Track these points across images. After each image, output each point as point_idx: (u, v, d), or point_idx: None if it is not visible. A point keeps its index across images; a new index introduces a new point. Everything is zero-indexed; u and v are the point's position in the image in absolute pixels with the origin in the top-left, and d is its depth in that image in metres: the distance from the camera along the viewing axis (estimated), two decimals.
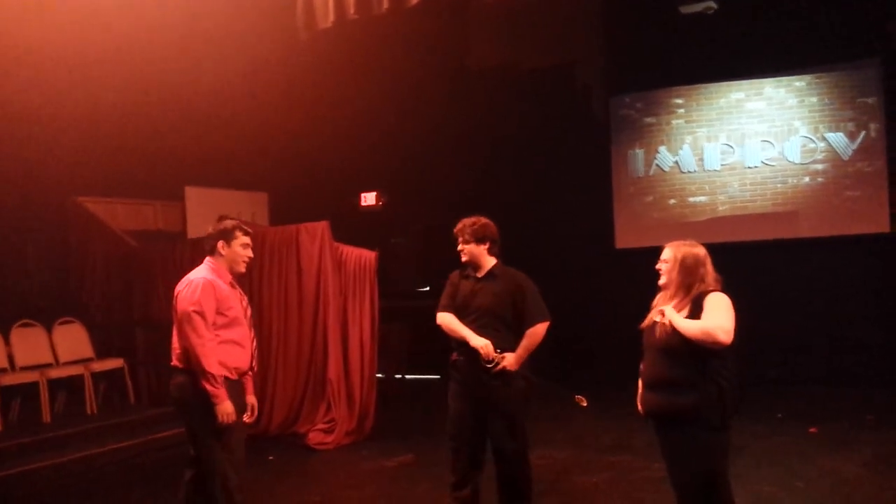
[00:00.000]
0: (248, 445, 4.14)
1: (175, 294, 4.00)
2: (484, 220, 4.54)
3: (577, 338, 9.62)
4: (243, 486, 4.06)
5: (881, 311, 8.68)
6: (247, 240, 4.13)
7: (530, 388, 4.47)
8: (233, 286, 4.11)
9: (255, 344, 4.20)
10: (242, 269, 4.17)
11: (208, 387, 3.81)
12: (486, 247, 4.49)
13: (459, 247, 4.53)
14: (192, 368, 3.87)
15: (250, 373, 4.21)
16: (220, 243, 4.06)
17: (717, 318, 3.27)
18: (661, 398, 3.40)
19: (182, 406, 4.02)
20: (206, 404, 3.85)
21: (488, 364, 4.25)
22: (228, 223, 4.15)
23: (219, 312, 3.94)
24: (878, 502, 4.89)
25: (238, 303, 4.09)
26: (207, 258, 4.10)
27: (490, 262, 4.53)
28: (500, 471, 4.45)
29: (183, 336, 3.89)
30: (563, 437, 6.88)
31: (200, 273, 4.02)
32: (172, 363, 4.04)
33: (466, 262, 4.55)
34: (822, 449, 6.14)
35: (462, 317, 4.45)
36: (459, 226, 4.54)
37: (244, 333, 4.08)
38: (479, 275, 4.52)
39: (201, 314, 3.85)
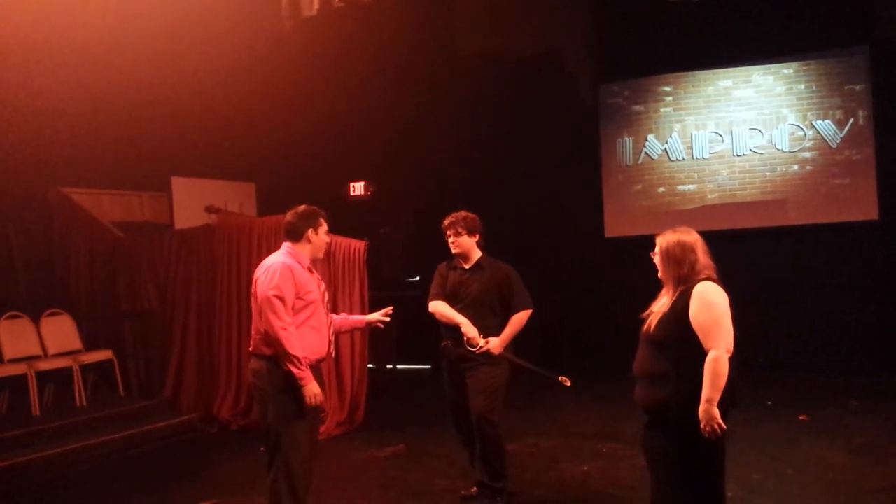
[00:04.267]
0: (238, 437, 4.12)
1: (254, 280, 4.01)
2: (472, 214, 4.83)
3: (565, 325, 9.66)
4: (312, 474, 4.05)
5: (869, 297, 8.73)
6: (326, 226, 4.17)
7: (513, 369, 4.76)
8: (311, 271, 4.10)
9: (332, 329, 4.18)
10: (322, 255, 4.28)
11: (293, 369, 3.77)
12: (477, 239, 4.80)
13: (451, 239, 4.80)
14: (273, 354, 3.84)
15: (328, 358, 4.18)
16: (311, 231, 4.07)
17: (710, 340, 3.07)
18: (642, 390, 3.31)
19: (256, 391, 4.03)
20: (283, 389, 3.83)
21: (472, 347, 4.56)
22: (310, 210, 4.12)
23: (297, 297, 3.92)
24: (865, 488, 4.92)
25: (316, 287, 4.07)
26: (286, 243, 4.10)
27: (477, 253, 4.83)
28: (477, 440, 4.72)
29: (265, 321, 3.85)
30: (551, 426, 6.91)
31: (278, 258, 4.01)
32: (250, 349, 4.05)
33: (458, 253, 4.82)
34: (809, 436, 6.18)
35: (451, 305, 4.75)
36: (451, 219, 4.83)
37: (321, 318, 4.06)
38: (468, 266, 4.81)
39: (282, 298, 3.83)
